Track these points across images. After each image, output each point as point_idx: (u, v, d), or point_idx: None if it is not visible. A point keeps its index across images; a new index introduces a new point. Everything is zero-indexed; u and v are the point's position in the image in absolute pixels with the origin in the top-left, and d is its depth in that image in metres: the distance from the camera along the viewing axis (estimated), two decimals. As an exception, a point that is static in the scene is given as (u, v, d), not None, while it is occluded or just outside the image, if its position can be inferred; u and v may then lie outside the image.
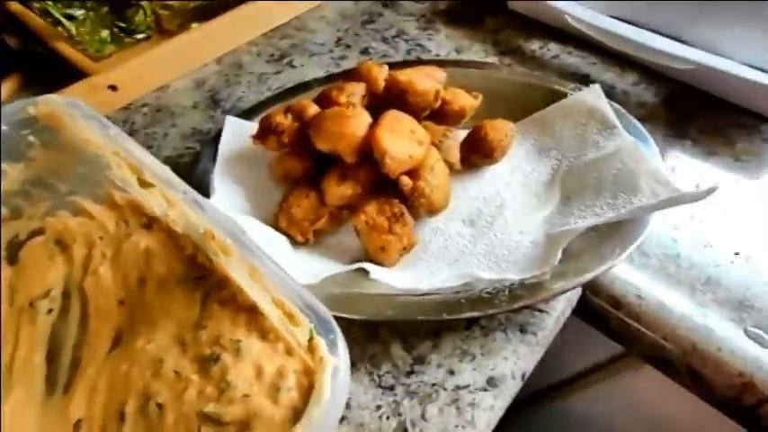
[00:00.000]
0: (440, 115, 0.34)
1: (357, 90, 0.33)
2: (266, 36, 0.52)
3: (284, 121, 0.31)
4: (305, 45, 0.50)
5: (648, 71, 0.43)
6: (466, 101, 0.35)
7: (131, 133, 0.41)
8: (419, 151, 0.28)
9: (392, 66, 0.40)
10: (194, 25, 0.50)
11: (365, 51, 0.49)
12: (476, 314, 0.24)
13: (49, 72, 0.46)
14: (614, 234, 0.27)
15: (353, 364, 0.26)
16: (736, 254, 0.30)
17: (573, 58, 0.46)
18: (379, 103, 0.33)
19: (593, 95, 0.35)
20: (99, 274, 0.29)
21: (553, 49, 0.47)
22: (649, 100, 0.41)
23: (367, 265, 0.26)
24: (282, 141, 0.31)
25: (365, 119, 0.29)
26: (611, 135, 0.33)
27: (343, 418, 0.24)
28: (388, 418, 0.24)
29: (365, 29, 0.52)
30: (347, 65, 0.47)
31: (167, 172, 0.23)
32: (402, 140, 0.28)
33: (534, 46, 0.48)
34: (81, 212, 0.32)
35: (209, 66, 0.48)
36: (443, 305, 0.25)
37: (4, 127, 0.26)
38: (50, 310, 0.29)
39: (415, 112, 0.32)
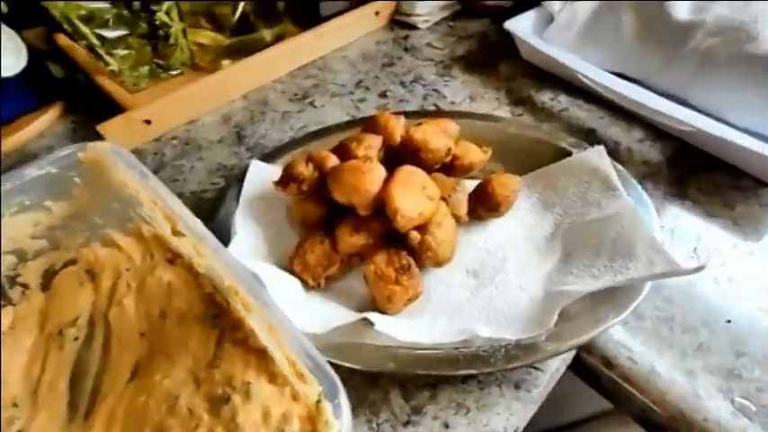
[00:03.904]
0: (450, 168, 0.36)
1: (374, 143, 0.35)
2: (291, 74, 0.55)
3: (305, 170, 0.33)
4: (326, 85, 0.53)
5: (654, 128, 0.45)
6: (475, 156, 0.37)
7: (161, 165, 0.44)
8: (429, 207, 0.30)
9: (409, 114, 0.43)
10: (225, 62, 0.53)
11: (383, 95, 0.51)
12: (472, 372, 0.26)
13: (89, 101, 0.49)
14: (609, 298, 0.29)
15: (353, 410, 0.27)
16: (728, 321, 0.31)
17: (581, 112, 0.48)
18: (394, 155, 0.35)
19: (596, 155, 0.37)
20: (123, 305, 0.32)
21: (563, 102, 0.49)
22: (653, 158, 0.43)
23: (372, 317, 0.28)
24: (302, 189, 0.33)
25: (380, 174, 0.31)
26: (612, 196, 0.35)
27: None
28: (384, 465, 0.25)
29: (385, 71, 0.55)
30: (365, 107, 0.50)
31: (199, 225, 0.26)
32: (413, 197, 0.30)
33: (545, 97, 0.50)
34: (111, 244, 0.34)
35: (236, 102, 0.51)
36: (442, 360, 0.26)
37: (53, 170, 0.28)
38: (77, 338, 0.31)
39: (428, 167, 0.34)
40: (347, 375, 0.28)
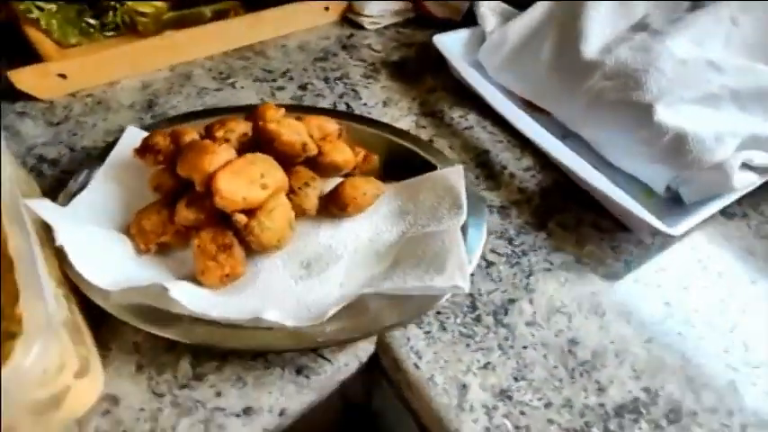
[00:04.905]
0: (314, 164, 0.38)
1: (238, 128, 0.37)
2: (225, 54, 0.56)
3: (162, 141, 0.35)
4: (253, 69, 0.55)
5: (545, 160, 0.46)
6: (340, 156, 0.38)
7: (66, 118, 0.46)
8: (258, 195, 0.32)
9: (297, 108, 0.45)
10: (168, 33, 0.55)
11: (303, 87, 0.53)
12: (239, 347, 0.27)
13: (15, 45, 0.51)
14: (401, 305, 0.30)
15: (141, 367, 0.29)
16: (524, 347, 0.32)
17: (484, 133, 0.49)
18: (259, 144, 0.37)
19: (455, 174, 0.38)
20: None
21: (470, 120, 0.50)
22: (530, 186, 0.44)
23: (168, 284, 0.29)
24: (158, 159, 0.35)
25: (224, 156, 0.33)
26: (455, 215, 0.36)
27: (107, 412, 0.27)
28: (145, 421, 0.27)
29: (315, 65, 0.56)
30: (281, 95, 0.52)
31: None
32: (241, 182, 0.31)
33: (455, 114, 0.51)
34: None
35: (162, 71, 0.53)
36: (220, 335, 0.28)
37: None
38: None
39: (286, 159, 0.36)
40: (148, 337, 0.30)
